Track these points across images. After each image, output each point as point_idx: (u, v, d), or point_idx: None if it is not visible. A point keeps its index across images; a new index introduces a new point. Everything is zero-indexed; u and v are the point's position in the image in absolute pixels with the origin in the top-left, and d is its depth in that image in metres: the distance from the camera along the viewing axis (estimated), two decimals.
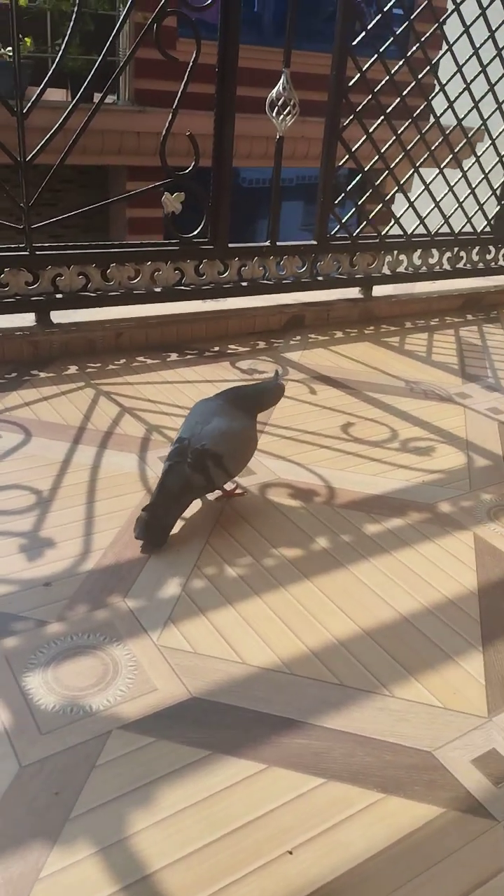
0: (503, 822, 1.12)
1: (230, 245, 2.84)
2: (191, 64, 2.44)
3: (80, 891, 0.98)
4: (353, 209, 3.18)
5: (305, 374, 2.68)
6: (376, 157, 3.09)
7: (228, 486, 1.85)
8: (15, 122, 2.31)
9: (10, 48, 3.96)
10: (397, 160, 3.16)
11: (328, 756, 1.20)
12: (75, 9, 2.37)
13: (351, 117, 2.91)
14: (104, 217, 7.38)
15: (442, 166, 3.33)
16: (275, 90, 2.73)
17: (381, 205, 3.21)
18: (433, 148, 3.23)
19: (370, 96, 2.93)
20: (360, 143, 3.01)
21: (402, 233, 3.34)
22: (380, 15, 2.85)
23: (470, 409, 2.52)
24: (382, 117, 3.02)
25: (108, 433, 2.13)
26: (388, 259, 3.35)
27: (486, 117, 3.36)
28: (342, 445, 2.20)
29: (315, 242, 3.09)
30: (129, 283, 2.71)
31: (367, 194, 3.19)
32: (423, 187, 3.29)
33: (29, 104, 2.31)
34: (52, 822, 1.06)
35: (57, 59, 2.41)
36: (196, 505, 1.80)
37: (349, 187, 3.12)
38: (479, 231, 3.59)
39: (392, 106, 3.02)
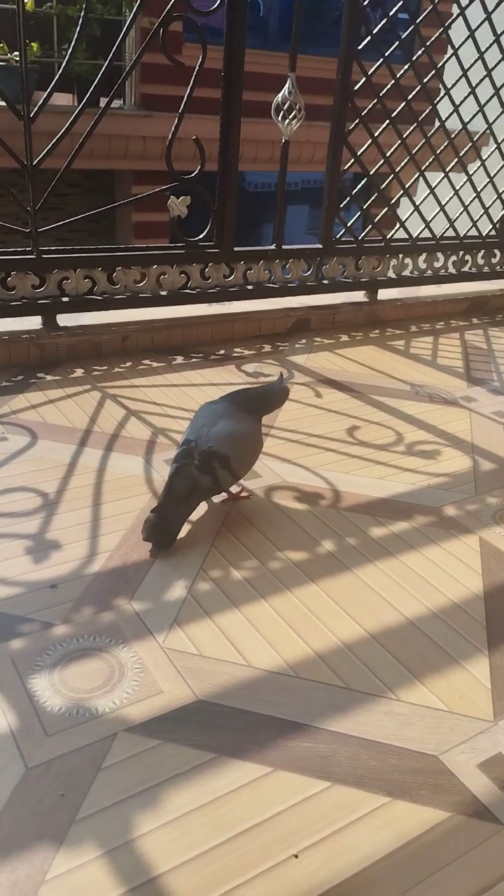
0: None
1: (236, 249, 2.85)
2: (197, 68, 2.45)
3: (85, 893, 0.98)
4: (359, 213, 3.18)
5: (311, 377, 2.68)
6: (381, 161, 3.10)
7: (234, 488, 1.85)
8: (22, 127, 2.31)
9: (17, 53, 3.98)
10: (402, 164, 3.17)
11: (334, 759, 1.20)
12: (82, 14, 2.38)
13: (356, 121, 2.92)
14: (110, 221, 7.40)
15: (447, 170, 3.33)
16: (280, 94, 2.74)
17: (386, 208, 3.22)
18: (438, 152, 3.23)
19: (375, 100, 2.94)
20: (365, 147, 3.01)
21: (407, 236, 3.34)
22: (385, 19, 2.86)
23: (475, 413, 2.52)
24: (388, 121, 3.03)
25: (114, 436, 2.14)
26: (393, 263, 3.35)
27: (491, 121, 3.37)
28: (347, 449, 2.20)
29: (320, 246, 3.09)
30: (135, 286, 2.72)
31: (373, 198, 3.19)
32: (429, 191, 3.30)
33: (36, 109, 2.32)
34: (57, 824, 1.06)
35: (63, 64, 2.41)
36: (202, 508, 1.80)
37: (354, 191, 3.13)
38: (484, 235, 3.59)
39: (397, 110, 3.03)
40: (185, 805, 1.10)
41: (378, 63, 2.87)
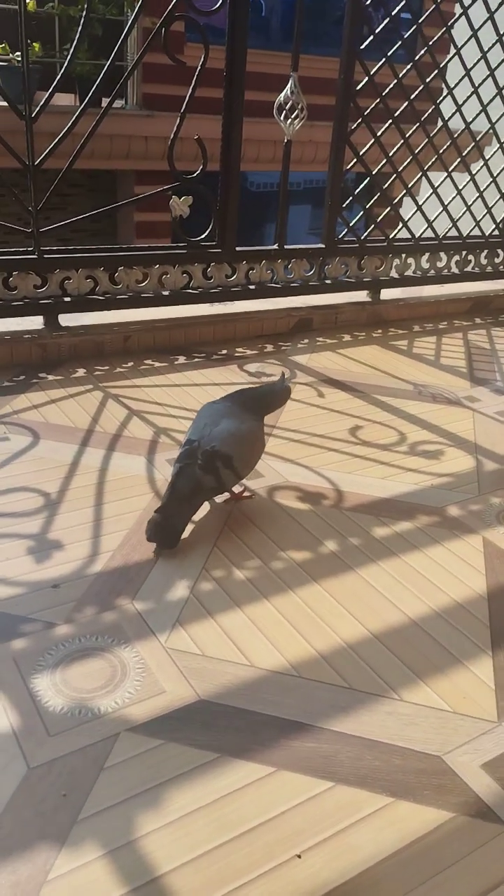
0: None
1: (238, 248, 2.85)
2: (199, 68, 2.45)
3: (87, 893, 0.98)
4: (361, 213, 3.18)
5: (313, 377, 2.68)
6: (384, 161, 3.09)
7: (236, 488, 1.85)
8: (24, 127, 2.31)
9: (18, 53, 3.98)
10: (405, 164, 3.16)
11: (337, 760, 1.19)
12: (84, 14, 2.38)
13: (359, 121, 2.91)
14: (112, 221, 7.40)
15: (450, 170, 3.33)
16: (283, 94, 2.74)
17: (388, 208, 3.21)
18: (441, 151, 3.23)
19: (378, 100, 2.93)
20: (367, 146, 3.01)
21: (410, 236, 3.34)
22: (388, 19, 2.85)
23: (479, 413, 2.52)
24: (390, 121, 3.03)
25: (116, 436, 2.14)
26: (396, 262, 3.34)
27: (494, 121, 3.36)
28: (350, 448, 2.20)
29: (323, 246, 3.09)
30: (137, 286, 2.72)
31: (375, 198, 3.19)
32: (432, 191, 3.29)
33: (37, 109, 2.32)
34: (60, 824, 1.06)
35: (65, 64, 2.42)
36: (204, 508, 1.80)
37: (357, 191, 3.12)
38: (487, 234, 3.58)
39: (400, 110, 3.03)
40: (187, 805, 1.10)
41: (380, 63, 2.87)
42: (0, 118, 2.54)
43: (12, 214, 2.62)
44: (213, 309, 2.94)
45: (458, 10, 3.02)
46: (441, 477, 2.08)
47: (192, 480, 1.68)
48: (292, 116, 2.76)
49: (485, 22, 3.10)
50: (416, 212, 3.29)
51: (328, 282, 3.16)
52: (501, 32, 3.17)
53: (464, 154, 3.32)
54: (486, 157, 3.46)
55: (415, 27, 2.95)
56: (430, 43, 2.97)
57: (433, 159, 3.24)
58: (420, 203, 3.28)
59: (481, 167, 3.47)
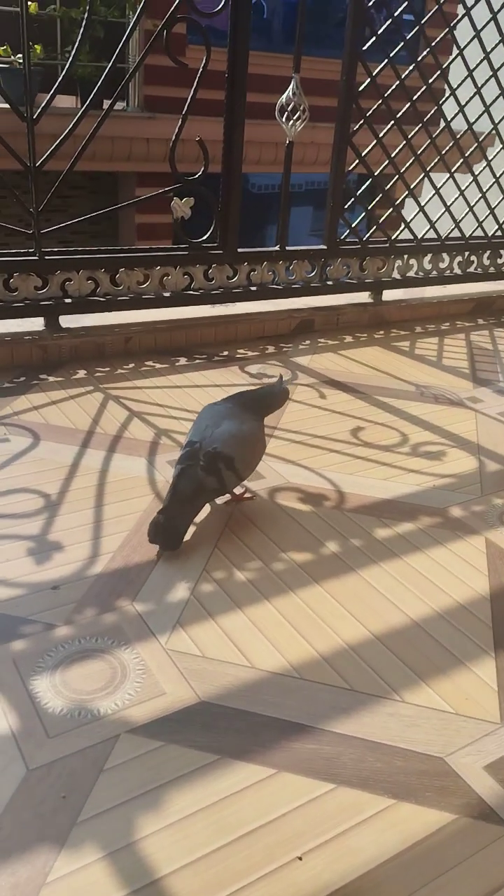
0: None
1: (239, 250, 2.84)
2: (200, 70, 2.44)
3: (87, 895, 0.97)
4: (363, 214, 3.17)
5: (315, 378, 2.67)
6: (386, 162, 3.09)
7: (238, 489, 1.84)
8: (25, 129, 2.31)
9: (20, 55, 3.98)
10: (407, 165, 3.16)
11: (338, 761, 1.18)
12: (85, 16, 2.38)
13: (361, 122, 2.91)
14: (113, 223, 7.41)
15: (452, 171, 3.32)
16: (285, 95, 2.74)
17: (391, 209, 3.21)
18: (444, 152, 3.23)
19: (380, 101, 2.93)
20: (369, 147, 3.00)
21: (412, 237, 3.33)
22: (390, 20, 2.85)
23: (481, 414, 2.51)
24: (392, 122, 3.02)
25: (117, 437, 2.13)
26: (398, 263, 3.34)
27: (497, 122, 3.36)
28: (352, 450, 2.19)
29: (325, 247, 3.09)
30: (139, 287, 2.71)
31: (378, 199, 3.19)
32: (434, 192, 3.29)
33: (39, 110, 2.32)
34: (59, 826, 1.05)
35: (67, 66, 2.42)
36: (205, 509, 1.79)
37: (359, 192, 3.12)
38: (489, 235, 3.58)
39: (402, 111, 3.02)
40: (187, 807, 1.09)
41: (383, 64, 2.87)
42: (1, 120, 2.54)
43: (13, 216, 2.63)
44: (215, 310, 2.94)
45: (460, 10, 3.02)
46: (443, 478, 2.07)
47: (193, 482, 1.68)
48: (294, 118, 2.76)
49: (487, 22, 3.10)
50: (418, 213, 3.29)
51: (330, 283, 3.15)
52: None
53: (466, 155, 3.32)
54: (489, 158, 3.46)
55: (417, 28, 2.95)
56: (433, 44, 2.97)
57: (435, 160, 3.24)
58: (422, 204, 3.27)
59: (484, 168, 3.46)
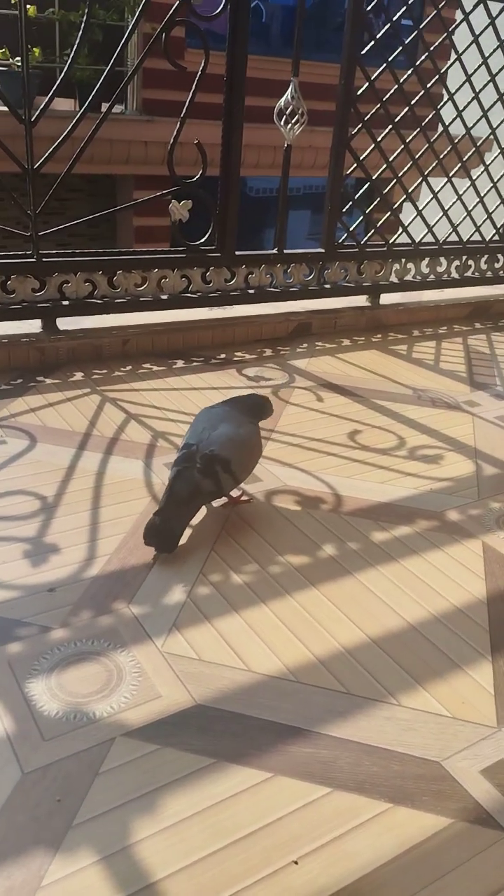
0: None
1: (237, 253, 2.84)
2: (199, 73, 2.45)
3: None
4: (361, 217, 3.17)
5: (312, 381, 2.67)
6: (384, 166, 3.09)
7: (234, 492, 1.84)
8: (23, 131, 2.31)
9: (19, 58, 3.99)
10: (405, 169, 3.16)
11: (335, 765, 1.18)
12: (84, 19, 2.38)
13: (359, 126, 2.91)
14: (111, 226, 7.41)
15: (450, 175, 3.33)
16: (283, 99, 2.74)
17: (388, 213, 3.21)
18: (441, 157, 3.23)
19: (378, 106, 2.94)
20: (367, 152, 3.01)
21: (410, 241, 3.34)
22: (388, 25, 2.86)
23: (478, 418, 2.51)
24: (391, 126, 3.03)
25: (114, 439, 2.13)
26: (395, 267, 3.34)
27: (494, 126, 3.36)
28: (349, 453, 2.19)
29: (323, 250, 3.09)
30: (136, 290, 2.71)
31: (375, 203, 3.19)
32: (432, 196, 3.29)
33: (37, 113, 2.32)
34: (54, 829, 1.04)
35: (65, 69, 2.42)
36: (202, 512, 1.79)
37: (357, 196, 3.12)
38: (487, 239, 3.58)
39: (400, 115, 3.03)
40: (183, 810, 1.09)
41: (381, 68, 2.87)
42: (0, 122, 2.54)
43: (11, 218, 2.62)
44: (212, 313, 2.94)
45: (458, 16, 3.03)
46: (440, 481, 2.07)
47: (190, 484, 1.68)
48: (292, 122, 2.77)
49: (486, 28, 3.11)
50: (416, 217, 3.29)
51: (328, 286, 3.15)
52: (502, 38, 3.18)
53: (464, 159, 3.32)
54: (487, 163, 3.47)
55: (415, 33, 2.96)
56: (431, 49, 2.97)
57: (433, 164, 3.24)
58: (420, 208, 3.28)
59: (481, 172, 3.47)
